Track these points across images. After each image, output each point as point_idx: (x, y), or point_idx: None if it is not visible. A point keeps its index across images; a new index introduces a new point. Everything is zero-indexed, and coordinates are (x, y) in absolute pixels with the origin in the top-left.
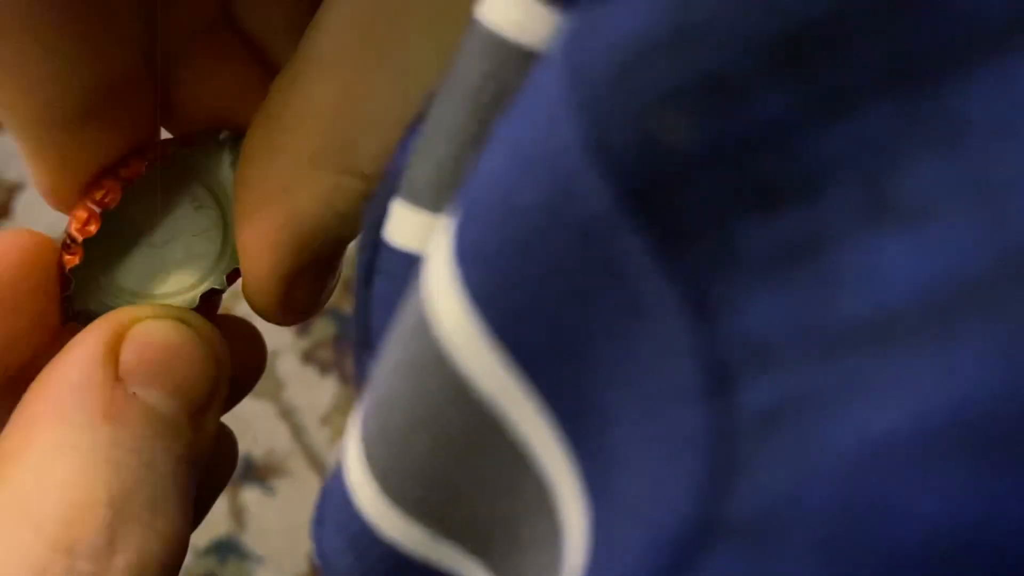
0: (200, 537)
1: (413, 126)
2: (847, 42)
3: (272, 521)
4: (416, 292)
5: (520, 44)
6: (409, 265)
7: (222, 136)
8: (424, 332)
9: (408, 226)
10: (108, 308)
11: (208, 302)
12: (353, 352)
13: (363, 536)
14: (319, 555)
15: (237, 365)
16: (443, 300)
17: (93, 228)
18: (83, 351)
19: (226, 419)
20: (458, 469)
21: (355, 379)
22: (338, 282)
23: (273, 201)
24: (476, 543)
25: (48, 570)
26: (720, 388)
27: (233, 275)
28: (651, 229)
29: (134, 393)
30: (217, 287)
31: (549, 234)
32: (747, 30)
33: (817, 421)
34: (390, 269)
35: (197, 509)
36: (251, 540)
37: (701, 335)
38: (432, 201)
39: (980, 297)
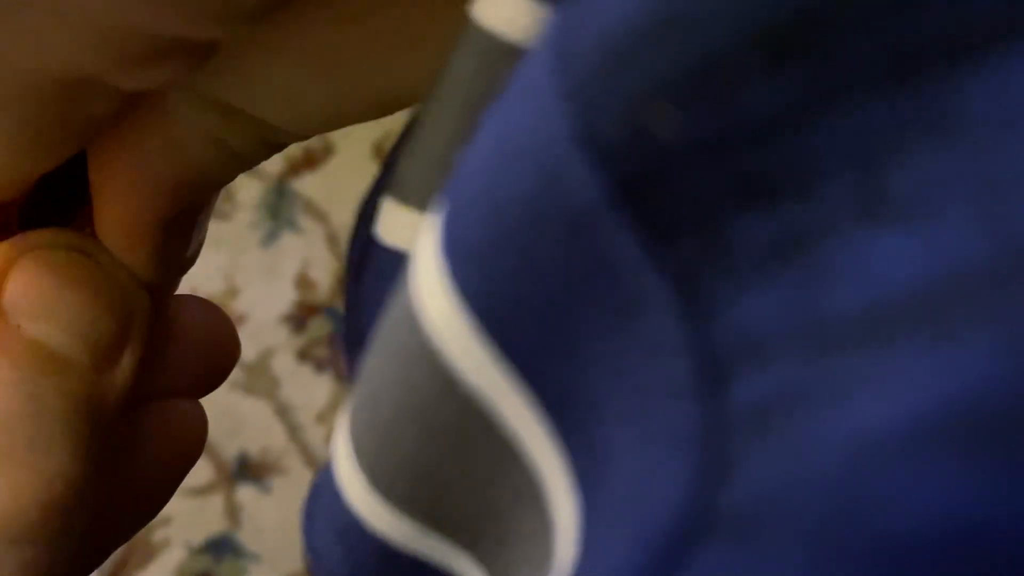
0: (195, 535)
1: (407, 126)
2: (841, 33)
3: (268, 519)
4: (403, 286)
5: (511, 42)
6: (399, 263)
7: None
8: (412, 326)
9: (399, 224)
10: None
11: None
12: (344, 349)
13: (353, 530)
14: (309, 549)
15: (204, 351)
16: (431, 294)
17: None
18: None
19: (221, 416)
20: (447, 463)
21: (347, 377)
22: (203, 240)
23: (146, 134)
24: (466, 536)
25: None
26: (712, 383)
27: None
28: (641, 222)
29: (19, 326)
30: None
31: (537, 227)
32: (739, 20)
33: (810, 415)
34: (380, 267)
35: (157, 490)
36: (247, 538)
37: (693, 330)
38: (423, 200)
39: (976, 292)
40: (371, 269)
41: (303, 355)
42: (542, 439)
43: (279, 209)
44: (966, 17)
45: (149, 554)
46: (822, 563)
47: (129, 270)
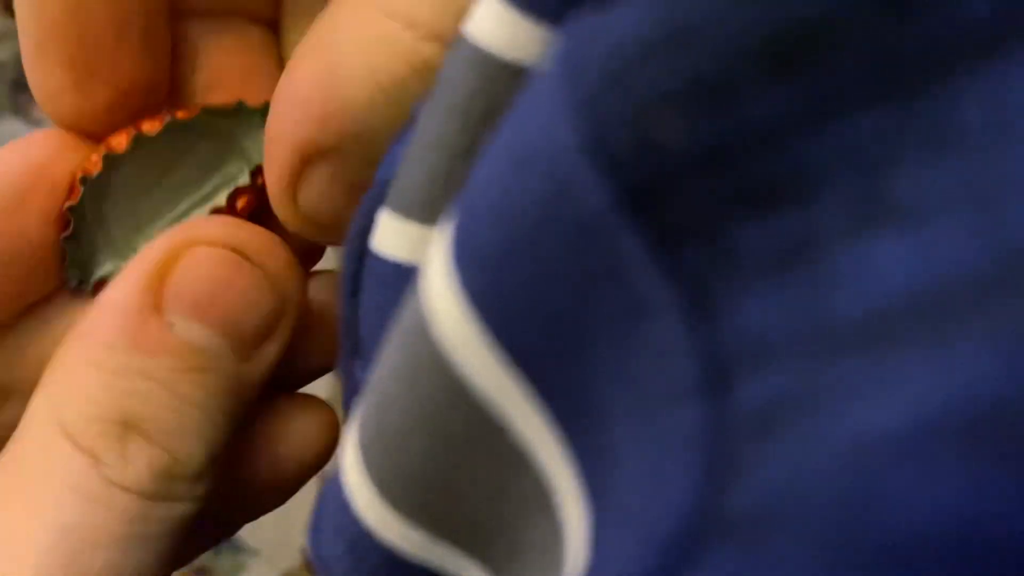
0: None
1: (400, 137)
2: (840, 44)
3: (266, 515)
4: (414, 295)
5: (508, 60)
6: (397, 275)
7: (247, 106)
8: (422, 334)
9: (396, 237)
10: (102, 254)
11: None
12: (341, 361)
13: (361, 540)
14: (317, 560)
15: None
16: (441, 302)
17: (95, 170)
18: (132, 273)
19: None
20: (457, 471)
21: (343, 387)
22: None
23: (314, 52)
24: (476, 546)
25: (74, 470)
26: (717, 386)
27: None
28: (648, 228)
29: (172, 323)
30: (240, 184)
31: (546, 235)
32: (742, 32)
33: (814, 418)
34: (378, 279)
35: (280, 484)
36: (245, 533)
37: (698, 334)
38: (421, 213)
39: (975, 298)
40: (369, 281)
41: None
42: (552, 445)
43: None
44: (958, 28)
45: None
46: (829, 565)
47: (289, 258)
